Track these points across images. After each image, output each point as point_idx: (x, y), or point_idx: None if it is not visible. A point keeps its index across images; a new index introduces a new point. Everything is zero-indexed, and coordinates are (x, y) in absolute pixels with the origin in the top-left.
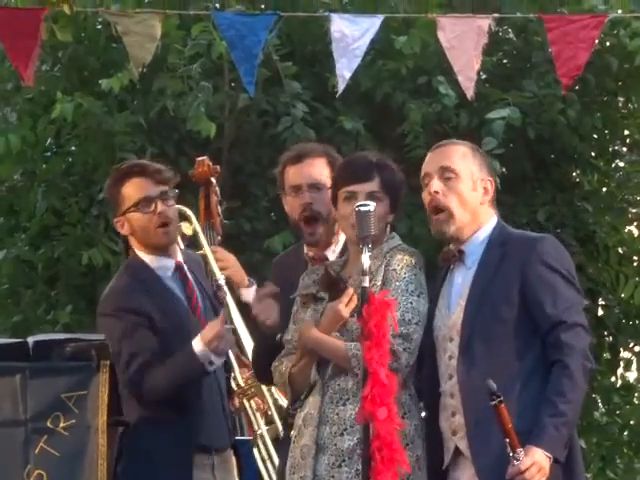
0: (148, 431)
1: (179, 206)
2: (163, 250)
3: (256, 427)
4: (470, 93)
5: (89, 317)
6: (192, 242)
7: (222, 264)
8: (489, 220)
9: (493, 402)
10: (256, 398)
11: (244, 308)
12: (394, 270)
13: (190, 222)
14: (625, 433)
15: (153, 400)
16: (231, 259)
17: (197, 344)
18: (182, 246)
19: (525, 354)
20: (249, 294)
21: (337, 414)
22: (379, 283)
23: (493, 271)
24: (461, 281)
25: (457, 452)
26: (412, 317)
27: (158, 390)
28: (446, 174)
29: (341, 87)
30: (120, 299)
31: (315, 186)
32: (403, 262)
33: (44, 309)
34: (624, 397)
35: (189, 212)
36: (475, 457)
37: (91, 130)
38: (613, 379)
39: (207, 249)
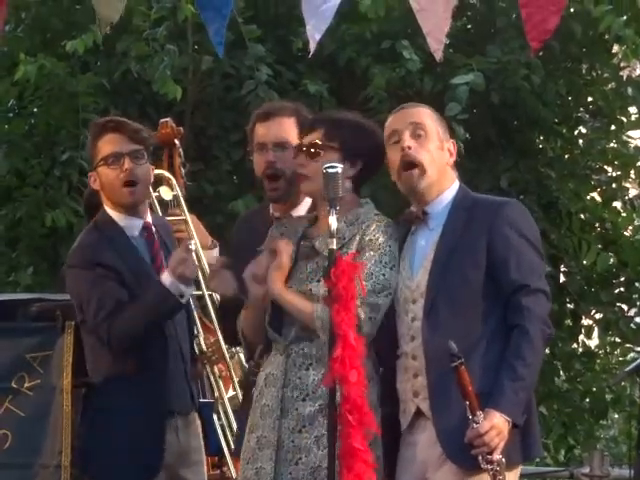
0: (116, 391)
1: (160, 170)
2: (129, 209)
3: (217, 394)
4: (439, 55)
5: (50, 279)
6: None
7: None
8: (452, 183)
9: (454, 364)
10: (220, 364)
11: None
12: (370, 240)
13: (171, 187)
14: (586, 400)
15: (127, 344)
16: (194, 220)
17: (165, 277)
18: (158, 209)
19: (488, 317)
20: (212, 256)
21: (299, 378)
22: (352, 251)
23: (459, 234)
24: (424, 243)
25: (417, 414)
26: (383, 288)
27: (132, 331)
28: (417, 131)
29: (312, 48)
30: (87, 252)
31: (280, 145)
32: (379, 232)
33: (5, 271)
34: (585, 364)
35: (171, 176)
36: (436, 419)
37: (54, 91)
38: (574, 346)
39: (187, 213)
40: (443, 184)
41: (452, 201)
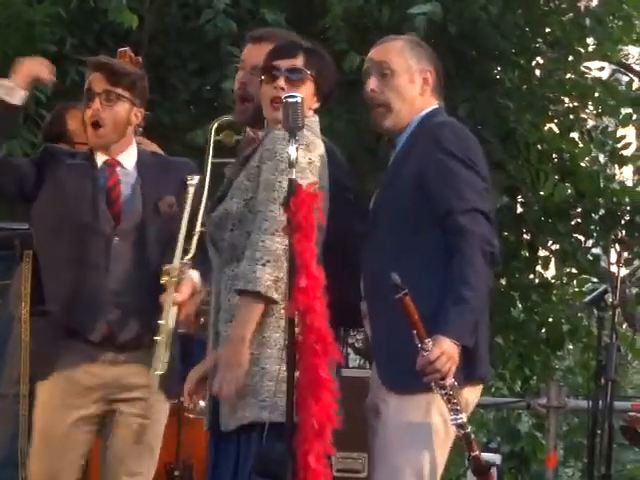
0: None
1: (227, 117)
2: (96, 149)
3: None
4: None
5: (7, 208)
6: None
7: None
8: (427, 108)
9: (398, 295)
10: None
11: None
12: (267, 150)
13: (237, 133)
14: (543, 331)
15: None
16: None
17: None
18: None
19: (427, 241)
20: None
21: (229, 300)
22: (254, 164)
23: (402, 160)
24: (388, 166)
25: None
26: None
27: None
28: (383, 70)
29: None
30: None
31: (256, 69)
32: (275, 141)
33: None
34: (542, 295)
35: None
36: (371, 340)
37: (11, 20)
38: (531, 277)
39: None
40: (414, 114)
41: (413, 128)
